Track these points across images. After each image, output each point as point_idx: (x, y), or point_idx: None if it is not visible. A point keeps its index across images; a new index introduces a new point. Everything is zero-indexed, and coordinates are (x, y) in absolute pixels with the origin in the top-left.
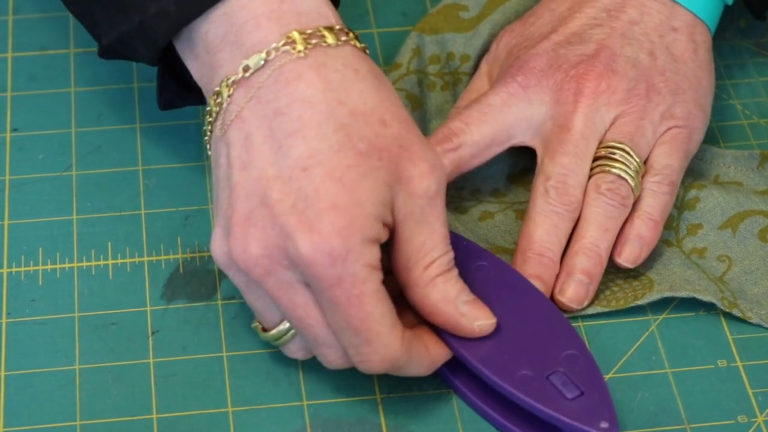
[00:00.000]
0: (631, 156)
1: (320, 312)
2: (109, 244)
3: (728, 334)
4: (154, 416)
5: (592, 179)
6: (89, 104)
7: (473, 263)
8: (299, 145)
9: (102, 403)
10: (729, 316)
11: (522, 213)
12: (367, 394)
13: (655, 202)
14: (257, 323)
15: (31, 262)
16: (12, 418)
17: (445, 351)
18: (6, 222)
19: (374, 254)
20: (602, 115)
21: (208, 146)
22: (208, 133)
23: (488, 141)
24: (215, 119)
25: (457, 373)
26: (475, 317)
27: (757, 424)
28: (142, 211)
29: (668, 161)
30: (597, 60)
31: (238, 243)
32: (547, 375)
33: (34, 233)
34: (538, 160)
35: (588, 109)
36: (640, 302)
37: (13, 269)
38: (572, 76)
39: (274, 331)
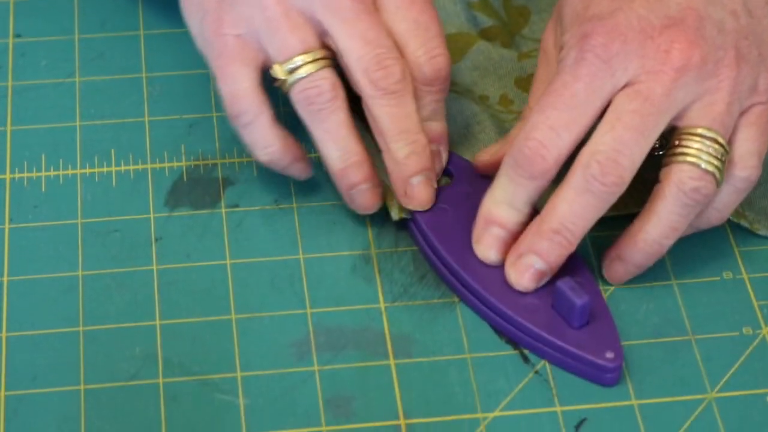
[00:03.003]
0: (722, 146)
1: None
2: (113, 151)
3: (734, 246)
4: (157, 323)
5: (675, 169)
6: (93, 10)
7: (483, 188)
8: None
9: (105, 309)
10: (735, 228)
11: None
12: (371, 303)
13: (730, 200)
14: (276, 67)
15: (34, 168)
16: (15, 323)
17: None
18: (9, 128)
19: None
20: (687, 90)
21: None
22: None
23: (579, 139)
24: None
25: (464, 282)
26: None
27: (761, 335)
28: (146, 119)
29: (755, 148)
30: (685, 25)
31: None
32: (552, 303)
33: (37, 139)
34: (599, 124)
35: (673, 84)
36: None
37: (16, 175)
38: (660, 44)
39: (288, 64)
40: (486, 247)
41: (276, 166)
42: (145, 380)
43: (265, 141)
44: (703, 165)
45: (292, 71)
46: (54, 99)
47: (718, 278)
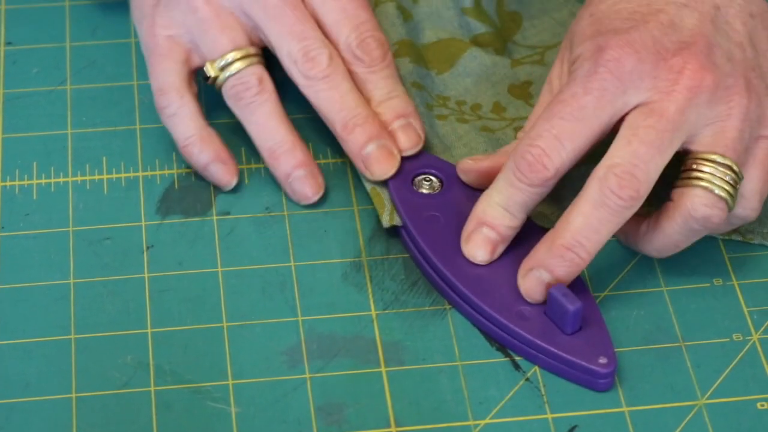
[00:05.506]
0: (736, 173)
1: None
2: (104, 158)
3: (724, 252)
4: (149, 331)
5: (688, 193)
6: (84, 18)
7: (474, 195)
8: None
9: (96, 317)
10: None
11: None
12: (362, 310)
13: (719, 232)
14: (208, 65)
15: (26, 176)
16: (7, 331)
17: None
18: (0, 136)
19: None
20: (699, 113)
21: None
22: None
23: (583, 153)
24: None
25: (455, 288)
26: None
27: (752, 342)
28: (137, 126)
29: (758, 188)
30: (696, 49)
31: None
32: (544, 309)
33: (29, 147)
34: (615, 140)
35: (686, 102)
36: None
37: (8, 183)
38: (673, 65)
39: (219, 61)
40: (474, 246)
41: (198, 162)
42: (137, 388)
43: (186, 131)
44: (717, 191)
45: (222, 68)
46: (45, 107)
47: (709, 285)
